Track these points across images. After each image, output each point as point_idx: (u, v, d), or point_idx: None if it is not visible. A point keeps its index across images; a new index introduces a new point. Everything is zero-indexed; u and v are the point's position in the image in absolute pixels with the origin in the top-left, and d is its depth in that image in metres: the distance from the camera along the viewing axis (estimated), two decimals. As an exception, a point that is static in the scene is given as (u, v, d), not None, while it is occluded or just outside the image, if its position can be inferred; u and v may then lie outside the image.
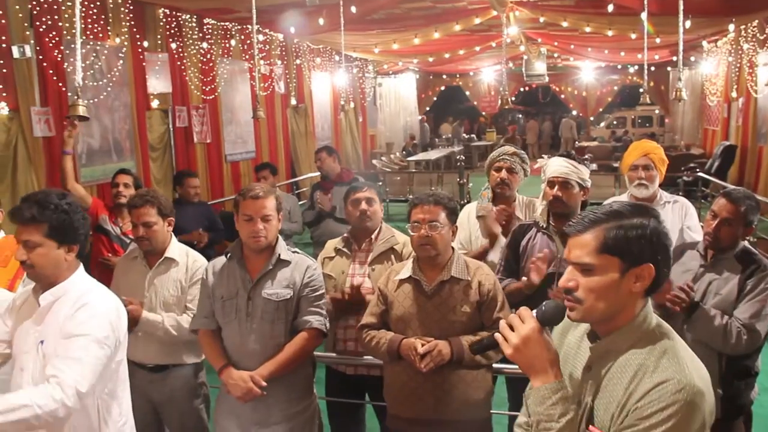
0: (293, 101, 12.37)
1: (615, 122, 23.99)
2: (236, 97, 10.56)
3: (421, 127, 23.13)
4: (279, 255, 3.00)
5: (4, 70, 6.14)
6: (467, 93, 24.22)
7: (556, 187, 3.24)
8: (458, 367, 2.84)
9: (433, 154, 19.02)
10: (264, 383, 2.89)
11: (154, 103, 8.52)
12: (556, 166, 3.30)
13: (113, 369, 2.43)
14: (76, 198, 2.58)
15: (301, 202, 7.21)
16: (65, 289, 2.39)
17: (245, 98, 10.81)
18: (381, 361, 3.08)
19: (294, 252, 3.09)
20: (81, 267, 2.47)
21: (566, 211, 3.25)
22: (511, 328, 1.71)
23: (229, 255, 3.07)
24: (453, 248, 3.02)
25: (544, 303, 1.74)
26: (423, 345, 2.78)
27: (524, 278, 3.20)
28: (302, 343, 2.98)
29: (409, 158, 18.40)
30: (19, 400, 2.15)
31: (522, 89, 24.32)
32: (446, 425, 2.87)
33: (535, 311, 1.72)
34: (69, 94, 6.66)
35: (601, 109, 24.11)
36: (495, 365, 3.05)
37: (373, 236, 3.54)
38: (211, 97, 9.57)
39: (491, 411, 3.07)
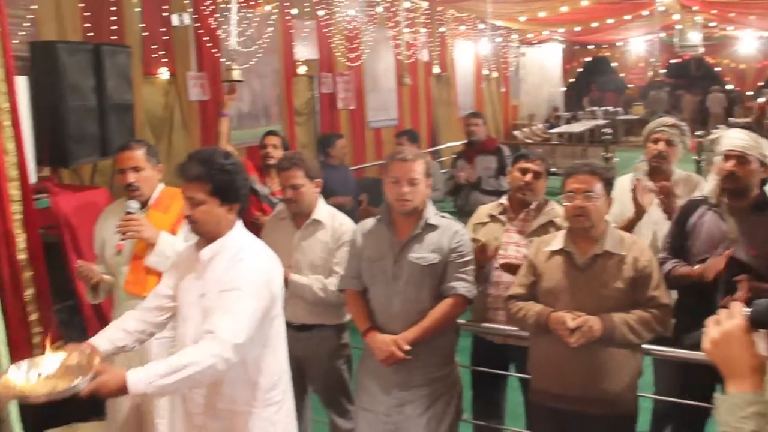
0: (436, 69, 12.28)
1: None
2: (380, 64, 10.61)
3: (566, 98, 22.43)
4: (427, 219, 2.98)
5: (165, 38, 6.43)
6: (614, 64, 23.24)
7: (732, 162, 3.01)
8: (608, 345, 2.73)
9: (576, 127, 18.42)
10: (407, 347, 2.90)
11: (301, 70, 8.69)
12: (733, 138, 3.06)
13: (269, 323, 2.50)
14: (238, 158, 2.69)
15: (442, 171, 7.16)
16: (224, 244, 2.47)
17: (389, 66, 10.84)
18: (527, 333, 3.02)
19: (443, 217, 3.06)
20: (240, 224, 2.55)
21: (740, 188, 3.02)
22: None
23: (378, 217, 3.09)
24: (607, 221, 2.89)
25: (754, 302, 1.48)
26: (573, 319, 2.69)
27: (697, 266, 3.01)
28: (447, 309, 2.96)
29: (551, 130, 17.92)
30: (180, 361, 2.23)
31: (673, 61, 22.98)
32: (591, 403, 2.78)
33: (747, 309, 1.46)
34: (222, 60, 6.90)
35: (760, 83, 22.33)
36: (644, 346, 2.92)
37: (531, 207, 3.45)
38: (355, 65, 9.64)
39: (637, 393, 2.94)
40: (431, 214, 3.03)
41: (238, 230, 2.54)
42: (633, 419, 2.91)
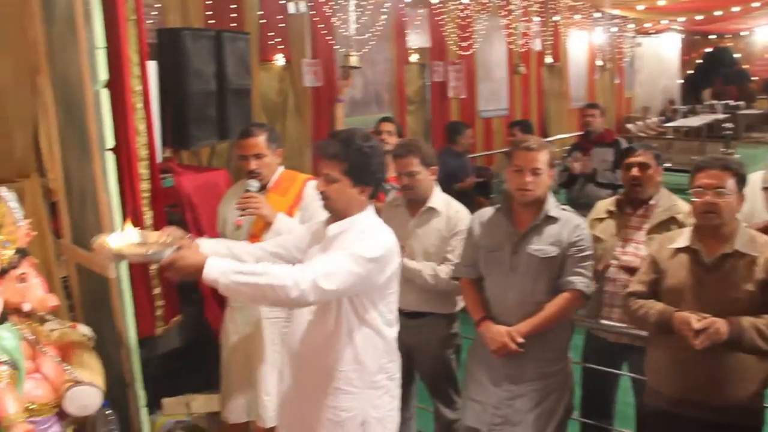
0: (549, 59, 12.02)
1: None
2: (492, 53, 10.48)
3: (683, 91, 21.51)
4: (548, 211, 2.92)
5: (282, 25, 6.56)
6: (737, 55, 22.09)
7: None
8: (735, 350, 2.58)
9: (694, 121, 17.64)
10: (521, 340, 2.86)
11: (413, 58, 8.69)
12: None
13: (381, 305, 2.52)
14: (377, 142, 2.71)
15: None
16: (352, 222, 2.52)
17: (501, 55, 10.70)
18: (646, 332, 2.92)
19: (563, 209, 2.99)
20: (371, 208, 2.58)
21: None
22: None
23: (497, 207, 3.05)
24: (738, 219, 2.74)
25: None
26: (699, 320, 2.57)
27: None
28: (563, 304, 2.90)
29: (667, 124, 17.25)
30: (261, 268, 2.27)
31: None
32: (712, 409, 2.65)
33: None
34: (336, 47, 6.99)
35: None
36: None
37: (651, 202, 3.34)
38: (467, 53, 9.56)
39: (765, 405, 2.77)
40: (552, 206, 2.97)
41: (368, 213, 2.57)
42: (758, 430, 2.76)
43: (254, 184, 3.19)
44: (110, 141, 2.57)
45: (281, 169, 3.34)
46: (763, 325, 2.54)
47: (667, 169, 4.08)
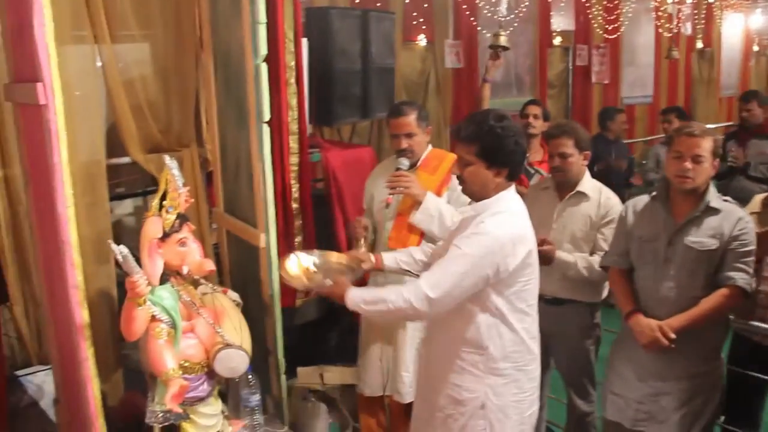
0: (699, 44, 11.41)
1: None
2: (639, 37, 10.05)
3: None
4: (708, 202, 2.77)
5: (425, 5, 6.55)
6: None
7: None
8: None
9: None
10: (673, 335, 2.73)
11: (556, 41, 8.48)
12: None
13: (504, 291, 2.45)
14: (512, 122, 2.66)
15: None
16: (486, 206, 2.47)
17: (648, 39, 10.24)
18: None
19: (725, 201, 2.83)
20: (512, 189, 2.52)
21: None
22: None
23: (653, 195, 2.93)
24: None
25: None
26: None
27: None
28: (721, 300, 2.74)
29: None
30: (382, 295, 2.45)
31: None
32: None
33: None
34: (479, 29, 6.92)
35: None
36: None
37: None
38: (613, 37, 9.22)
39: None
40: (713, 196, 2.82)
41: (506, 195, 2.49)
42: None
43: (405, 162, 3.20)
44: (267, 114, 2.65)
45: (430, 147, 3.34)
46: None
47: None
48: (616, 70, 9.57)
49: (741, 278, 2.74)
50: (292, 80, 3.41)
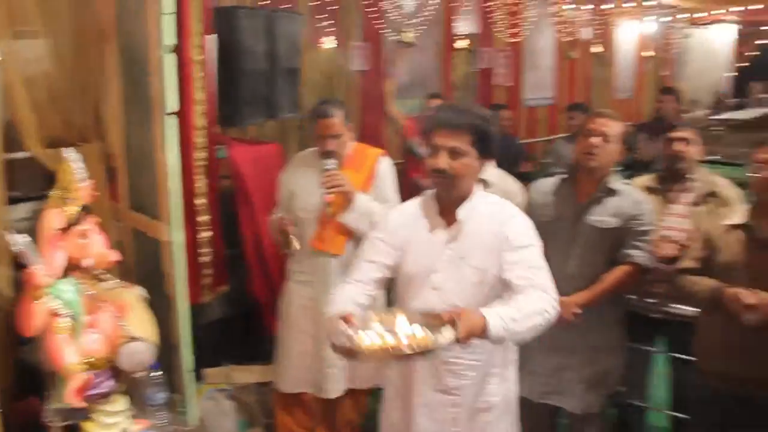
0: (597, 48, 11.88)
1: None
2: (540, 41, 10.39)
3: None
4: (609, 183, 2.94)
5: (333, 7, 6.58)
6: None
7: None
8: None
9: (744, 114, 17.25)
10: (578, 310, 2.86)
11: (461, 44, 8.66)
12: None
13: None
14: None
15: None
16: (482, 202, 2.36)
17: (548, 43, 10.60)
18: (696, 308, 2.92)
19: (625, 184, 3.02)
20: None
21: None
22: None
23: (562, 177, 3.06)
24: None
25: None
26: (751, 296, 2.54)
27: None
28: (621, 276, 2.92)
29: (715, 117, 16.92)
30: (529, 307, 2.16)
31: None
32: (762, 385, 2.63)
33: None
34: (385, 31, 7.01)
35: None
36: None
37: (690, 177, 3.37)
38: (515, 41, 9.49)
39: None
40: (614, 179, 3.00)
41: (480, 189, 2.41)
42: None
43: (333, 162, 3.15)
44: (172, 105, 2.62)
45: (352, 143, 3.35)
46: (818, 303, 2.51)
47: (717, 162, 4.03)
48: (518, 73, 9.85)
49: (640, 255, 2.93)
50: (199, 74, 3.37)
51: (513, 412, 2.54)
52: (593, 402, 3.05)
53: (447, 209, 2.36)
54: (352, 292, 2.41)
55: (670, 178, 3.45)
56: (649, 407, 3.67)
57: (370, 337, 2.04)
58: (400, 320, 2.08)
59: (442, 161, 2.25)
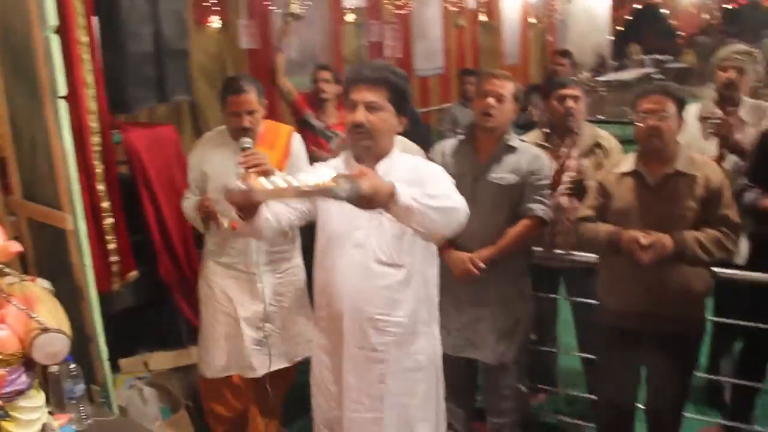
0: (483, 17, 12.11)
1: None
2: (427, 12, 10.50)
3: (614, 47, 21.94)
4: (508, 141, 3.04)
5: (217, -15, 6.44)
6: (665, 11, 22.64)
7: None
8: (679, 262, 2.76)
9: (625, 75, 18.01)
10: (482, 265, 2.97)
11: (349, 17, 8.65)
12: None
13: None
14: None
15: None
16: (399, 160, 2.41)
17: (436, 13, 10.72)
18: (595, 254, 3.06)
19: (522, 141, 3.12)
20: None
21: None
22: None
23: (461, 138, 3.15)
24: (678, 142, 2.89)
25: None
26: (646, 237, 2.72)
27: None
28: (523, 230, 3.05)
29: (598, 78, 17.58)
30: (443, 190, 2.20)
31: (726, 6, 22.16)
32: (661, 319, 2.82)
33: None
34: (272, 8, 6.93)
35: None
36: (718, 270, 2.99)
37: (575, 131, 3.51)
38: (403, 12, 9.56)
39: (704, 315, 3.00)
40: (512, 136, 3.10)
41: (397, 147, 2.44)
42: (700, 337, 2.97)
43: (249, 141, 3.06)
44: (62, 88, 2.53)
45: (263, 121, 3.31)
46: (704, 238, 2.72)
47: (601, 122, 4.22)
48: (408, 45, 9.94)
49: (540, 209, 3.05)
50: (87, 56, 3.25)
51: (439, 369, 2.62)
52: (507, 352, 3.18)
53: (366, 167, 2.35)
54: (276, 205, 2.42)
55: (557, 134, 3.58)
56: (559, 352, 3.86)
57: (269, 182, 1.99)
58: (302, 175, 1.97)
59: (360, 115, 2.29)
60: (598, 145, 3.52)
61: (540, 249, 3.41)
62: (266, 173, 2.93)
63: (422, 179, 2.28)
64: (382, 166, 2.35)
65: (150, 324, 4.01)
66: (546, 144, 3.58)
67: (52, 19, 2.46)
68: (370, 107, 2.29)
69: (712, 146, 3.54)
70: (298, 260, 3.47)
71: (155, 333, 4.01)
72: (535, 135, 3.71)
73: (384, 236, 2.37)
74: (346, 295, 2.44)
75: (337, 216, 2.43)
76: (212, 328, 3.38)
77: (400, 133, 2.46)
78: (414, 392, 2.51)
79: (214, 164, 3.25)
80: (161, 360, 3.87)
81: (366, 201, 1.90)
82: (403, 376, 2.48)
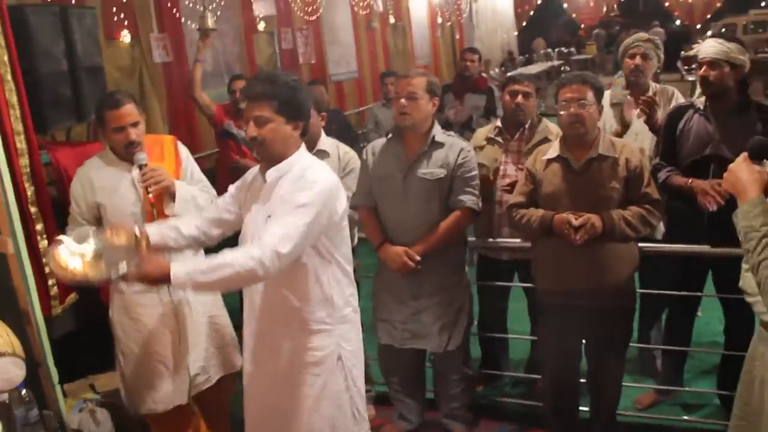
0: (392, 20, 12.29)
1: (723, 30, 22.22)
2: (337, 17, 10.59)
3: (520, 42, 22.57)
4: (434, 136, 3.14)
5: (125, 0, 6.36)
6: (565, 5, 23.47)
7: (704, 68, 3.20)
8: (608, 240, 2.92)
9: (533, 68, 18.54)
10: (418, 258, 3.08)
11: (261, 26, 8.66)
12: (705, 46, 3.25)
13: (338, 241, 2.54)
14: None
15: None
16: (291, 164, 2.49)
17: (346, 18, 10.83)
18: (529, 239, 3.20)
19: (449, 135, 3.22)
20: (303, 145, 2.57)
21: (717, 92, 3.21)
22: None
23: (389, 136, 3.23)
24: (599, 127, 3.06)
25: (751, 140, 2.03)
26: (576, 219, 2.87)
27: (690, 181, 3.19)
28: (455, 221, 3.16)
29: (509, 73, 18.01)
30: (223, 260, 2.27)
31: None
32: (596, 296, 2.98)
33: None
34: (182, 20, 6.89)
35: (708, 17, 22.39)
36: (640, 244, 3.14)
37: (526, 126, 3.61)
38: (313, 18, 9.61)
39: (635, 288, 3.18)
40: (438, 132, 3.19)
41: (303, 151, 2.55)
42: (633, 310, 3.15)
43: (143, 155, 3.00)
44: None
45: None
46: (629, 216, 2.90)
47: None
48: (321, 50, 10.01)
49: (469, 200, 3.17)
50: (9, 76, 3.19)
51: (351, 368, 2.63)
52: (452, 340, 3.29)
53: (261, 171, 2.54)
54: (185, 223, 2.69)
55: (509, 129, 3.68)
56: (508, 336, 4.02)
57: (64, 252, 2.39)
58: (91, 243, 2.42)
59: (251, 130, 2.43)
60: (547, 139, 3.58)
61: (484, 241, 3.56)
62: (168, 188, 3.00)
63: (289, 199, 2.40)
64: (272, 172, 2.48)
65: (93, 346, 3.94)
66: (497, 138, 3.68)
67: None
68: (258, 121, 2.42)
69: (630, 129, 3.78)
70: None
71: (99, 355, 3.94)
72: (487, 129, 3.80)
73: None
74: (249, 296, 2.65)
75: (248, 216, 2.58)
76: (142, 363, 3.21)
77: (303, 136, 2.55)
78: (311, 384, 2.57)
79: (107, 192, 3.10)
80: (108, 381, 3.80)
81: (141, 281, 2.35)
82: (300, 369, 2.56)
